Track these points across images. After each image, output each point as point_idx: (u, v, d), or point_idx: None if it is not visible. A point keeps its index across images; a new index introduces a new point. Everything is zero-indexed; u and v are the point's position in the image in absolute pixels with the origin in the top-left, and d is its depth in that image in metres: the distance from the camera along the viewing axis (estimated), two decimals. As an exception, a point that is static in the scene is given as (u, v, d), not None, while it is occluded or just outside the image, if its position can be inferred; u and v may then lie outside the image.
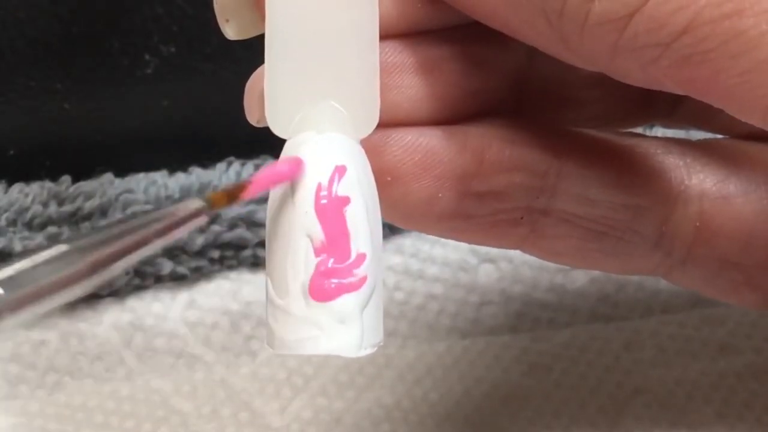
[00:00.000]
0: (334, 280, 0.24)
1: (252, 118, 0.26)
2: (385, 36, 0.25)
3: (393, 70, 0.26)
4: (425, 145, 0.26)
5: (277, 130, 0.25)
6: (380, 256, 0.25)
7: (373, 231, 0.24)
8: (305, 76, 0.25)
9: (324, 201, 0.24)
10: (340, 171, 0.24)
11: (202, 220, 0.22)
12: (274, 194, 0.24)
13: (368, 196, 0.24)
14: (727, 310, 0.38)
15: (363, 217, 0.24)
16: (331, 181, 0.24)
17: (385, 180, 0.26)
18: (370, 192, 0.24)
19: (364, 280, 0.24)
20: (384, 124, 0.25)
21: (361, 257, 0.24)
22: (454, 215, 0.27)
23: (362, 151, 0.25)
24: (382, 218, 0.25)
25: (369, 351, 0.24)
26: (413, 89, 0.26)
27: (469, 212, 0.27)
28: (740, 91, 0.22)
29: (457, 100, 0.27)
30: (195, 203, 0.22)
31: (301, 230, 0.24)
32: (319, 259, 0.24)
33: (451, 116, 0.27)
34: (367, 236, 0.24)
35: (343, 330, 0.24)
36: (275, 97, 0.25)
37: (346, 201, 0.24)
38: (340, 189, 0.24)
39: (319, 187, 0.24)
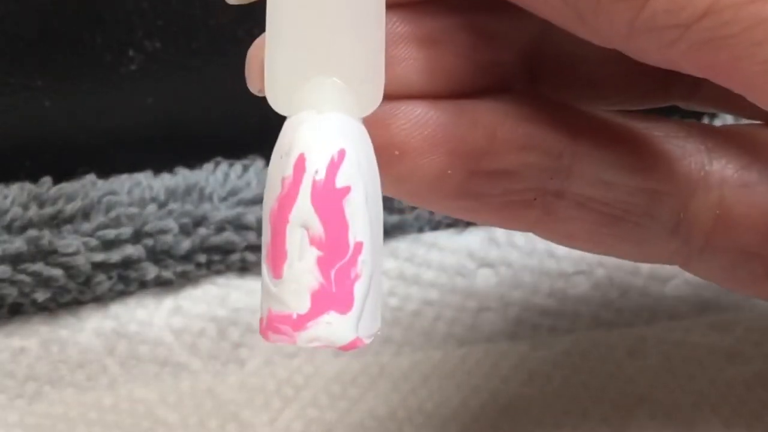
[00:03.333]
0: (332, 274, 0.23)
1: (253, 88, 0.26)
2: (391, 5, 0.25)
3: (400, 41, 0.26)
4: (436, 119, 0.26)
5: (277, 107, 0.24)
6: (380, 243, 0.24)
7: (373, 218, 0.24)
8: (307, 51, 0.24)
9: (321, 191, 0.23)
10: (339, 157, 0.23)
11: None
12: (271, 179, 0.24)
13: (369, 182, 0.24)
14: (735, 316, 0.38)
15: (362, 205, 0.24)
16: (329, 169, 0.23)
17: (393, 154, 0.26)
18: (370, 176, 0.24)
19: (361, 271, 0.23)
20: (390, 98, 0.25)
21: (359, 246, 0.23)
22: (464, 194, 0.27)
23: (364, 131, 0.24)
24: (388, 196, 0.25)
25: (366, 341, 0.24)
26: (421, 61, 0.26)
27: (479, 191, 0.27)
28: (762, 80, 0.22)
29: (467, 73, 0.26)
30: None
31: (296, 220, 0.23)
32: (315, 252, 0.23)
33: (460, 90, 0.26)
34: (365, 225, 0.24)
35: (339, 320, 0.23)
36: (275, 72, 0.24)
37: (345, 191, 0.23)
38: (339, 177, 0.23)
39: (316, 175, 0.23)
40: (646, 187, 0.28)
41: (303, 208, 0.23)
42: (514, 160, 0.27)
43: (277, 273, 0.23)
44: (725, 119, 0.39)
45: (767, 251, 0.28)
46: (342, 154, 0.23)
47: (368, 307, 0.24)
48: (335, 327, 0.23)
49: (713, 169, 0.28)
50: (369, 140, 0.24)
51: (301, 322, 0.23)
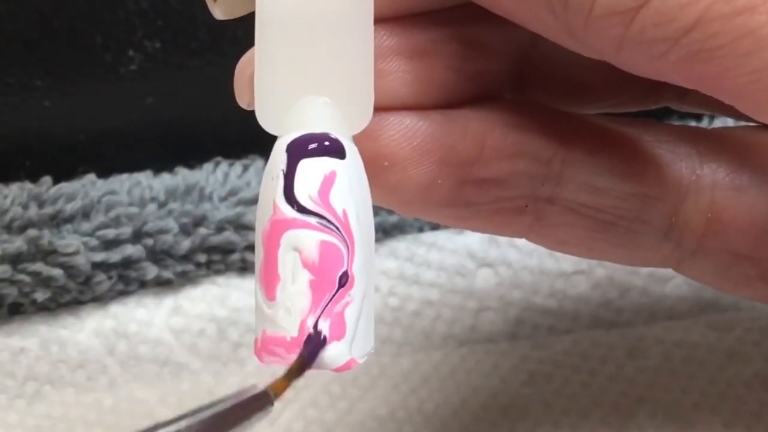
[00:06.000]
0: (325, 299, 0.23)
1: (242, 102, 0.26)
2: (379, 19, 0.25)
3: (388, 54, 0.26)
4: (425, 129, 0.26)
5: (267, 127, 0.24)
6: (371, 261, 0.24)
7: (364, 237, 0.24)
8: (296, 71, 0.24)
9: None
10: (330, 179, 0.23)
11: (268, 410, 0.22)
12: (263, 201, 0.24)
13: (360, 201, 0.24)
14: (735, 316, 0.38)
15: (354, 226, 0.23)
16: (320, 193, 0.23)
17: (382, 165, 0.26)
18: (361, 196, 0.24)
19: (354, 294, 0.23)
20: (379, 110, 0.25)
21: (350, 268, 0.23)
22: (454, 202, 0.27)
23: (355, 149, 0.24)
24: (380, 206, 0.25)
25: (360, 361, 0.24)
26: (409, 74, 0.26)
27: (469, 200, 0.27)
28: (751, 90, 0.22)
29: (455, 83, 0.26)
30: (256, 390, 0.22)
31: (287, 243, 0.23)
32: (308, 275, 0.23)
33: (449, 101, 0.26)
34: (357, 245, 0.23)
35: (333, 343, 0.23)
36: (265, 92, 0.24)
37: None
38: (330, 201, 0.23)
39: (307, 200, 0.23)
40: (637, 192, 0.28)
41: (294, 232, 0.23)
42: (504, 168, 0.27)
43: (270, 295, 0.23)
44: (726, 120, 0.39)
45: (759, 253, 0.28)
46: (333, 176, 0.23)
47: (361, 327, 0.24)
48: (329, 350, 0.23)
49: (704, 173, 0.28)
50: (359, 159, 0.24)
51: (295, 345, 0.23)
